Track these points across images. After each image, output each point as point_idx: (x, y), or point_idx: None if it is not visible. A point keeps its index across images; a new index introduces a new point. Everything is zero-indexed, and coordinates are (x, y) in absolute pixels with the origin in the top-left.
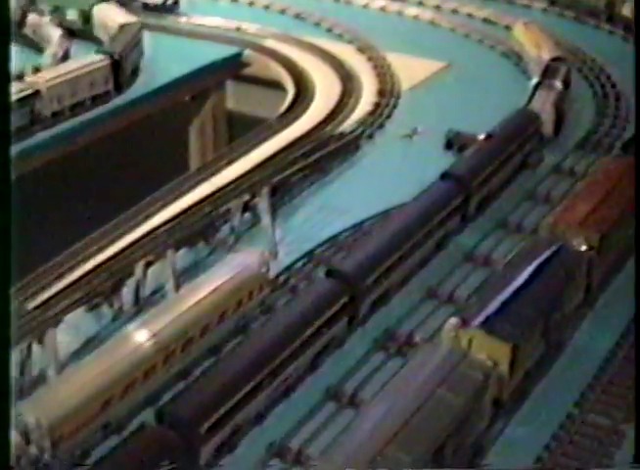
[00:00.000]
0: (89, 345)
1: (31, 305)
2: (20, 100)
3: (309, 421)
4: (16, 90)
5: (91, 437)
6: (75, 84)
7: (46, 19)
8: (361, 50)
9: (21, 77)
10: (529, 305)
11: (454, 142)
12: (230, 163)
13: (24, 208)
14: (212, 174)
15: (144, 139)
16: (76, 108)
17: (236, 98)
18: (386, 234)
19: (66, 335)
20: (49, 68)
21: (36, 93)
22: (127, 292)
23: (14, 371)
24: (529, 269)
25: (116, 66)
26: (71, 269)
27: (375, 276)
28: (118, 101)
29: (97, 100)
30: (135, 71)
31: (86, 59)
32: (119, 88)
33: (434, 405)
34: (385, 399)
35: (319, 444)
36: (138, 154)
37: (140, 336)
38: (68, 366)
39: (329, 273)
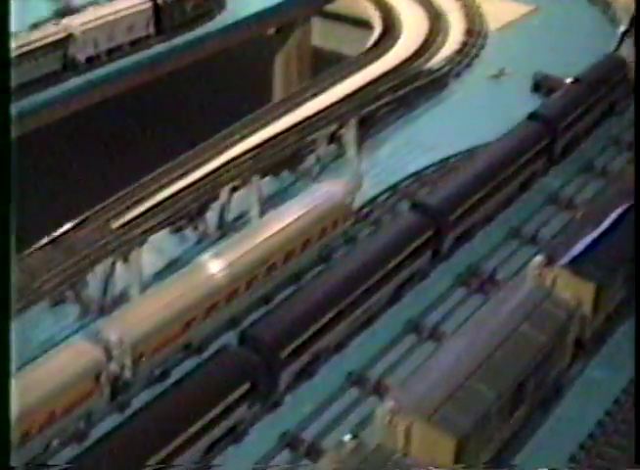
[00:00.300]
0: (172, 266)
1: (117, 224)
2: (52, 44)
3: (389, 352)
4: (48, 33)
5: (172, 356)
6: (113, 28)
7: None
8: None
9: None
10: (614, 249)
11: (541, 84)
12: (316, 94)
13: (98, 140)
14: (299, 105)
15: (227, 71)
16: (114, 52)
17: (321, 35)
18: (472, 171)
19: (149, 255)
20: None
21: (69, 37)
22: (212, 216)
23: (98, 289)
24: (615, 214)
25: (159, 10)
26: (157, 191)
27: (460, 212)
28: (203, 30)
29: (136, 45)
30: (208, 13)
31: (126, 2)
32: (162, 33)
33: (518, 341)
34: (468, 332)
35: (399, 374)
36: (222, 85)
37: (224, 259)
38: (150, 286)
39: (414, 207)
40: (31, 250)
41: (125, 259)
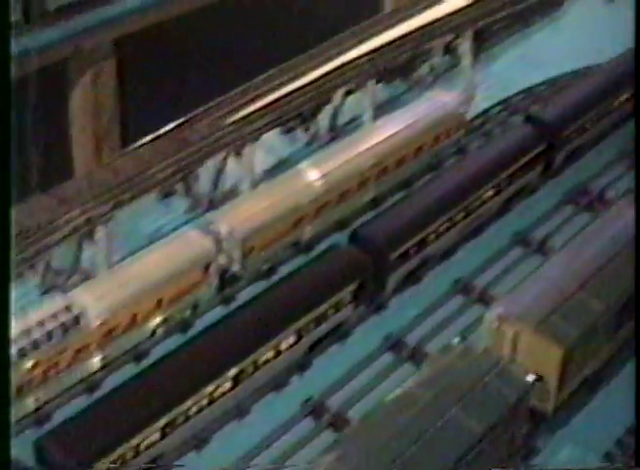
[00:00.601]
0: (282, 166)
1: (230, 120)
2: None
3: (496, 263)
4: None
5: (280, 253)
6: None
7: None
8: None
9: None
10: None
11: None
12: (432, 4)
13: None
14: (414, 14)
15: None
16: None
17: None
18: (586, 89)
19: (260, 154)
20: None
21: None
22: (324, 118)
23: (208, 183)
24: None
25: None
26: (271, 91)
27: (573, 128)
28: None
29: None
30: None
31: None
32: None
33: (627, 257)
34: (577, 247)
35: (505, 284)
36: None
37: (335, 160)
38: (261, 184)
39: (528, 120)
40: (144, 141)
41: (238, 154)
